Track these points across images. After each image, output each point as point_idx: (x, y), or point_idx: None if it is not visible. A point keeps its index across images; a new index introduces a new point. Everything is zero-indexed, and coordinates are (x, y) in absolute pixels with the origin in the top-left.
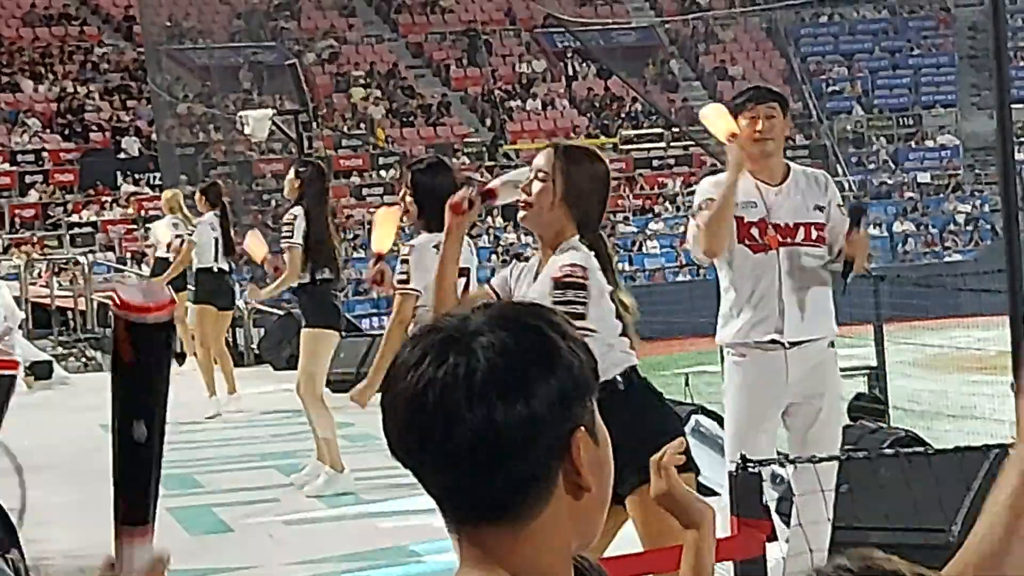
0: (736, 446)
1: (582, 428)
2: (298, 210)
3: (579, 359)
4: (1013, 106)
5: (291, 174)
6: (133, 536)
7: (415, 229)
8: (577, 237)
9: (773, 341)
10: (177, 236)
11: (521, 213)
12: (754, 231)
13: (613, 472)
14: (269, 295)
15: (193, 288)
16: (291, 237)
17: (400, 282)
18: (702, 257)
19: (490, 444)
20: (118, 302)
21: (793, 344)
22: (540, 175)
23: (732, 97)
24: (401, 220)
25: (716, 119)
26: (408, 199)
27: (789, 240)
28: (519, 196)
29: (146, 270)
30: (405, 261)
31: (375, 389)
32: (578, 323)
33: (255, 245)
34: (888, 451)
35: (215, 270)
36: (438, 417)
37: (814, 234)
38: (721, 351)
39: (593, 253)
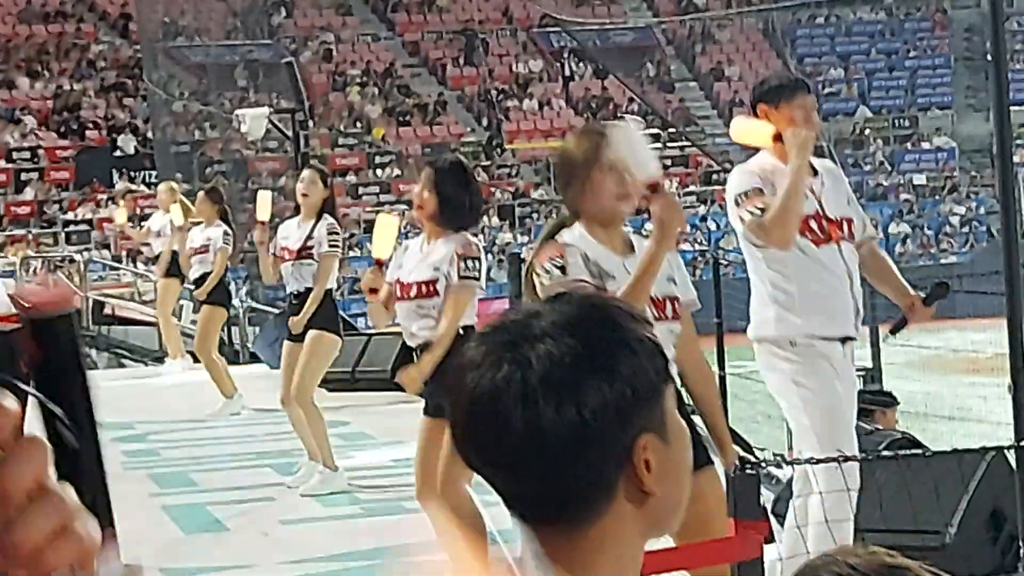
0: (832, 442)
1: (647, 434)
2: (331, 220)
3: (643, 364)
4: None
5: (310, 176)
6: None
7: (428, 227)
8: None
9: (847, 338)
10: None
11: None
12: (812, 223)
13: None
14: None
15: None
16: (336, 246)
17: (473, 279)
18: (773, 246)
19: (540, 452)
20: (24, 304)
21: (850, 339)
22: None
23: (762, 89)
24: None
25: (748, 128)
26: (427, 194)
27: (842, 233)
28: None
29: (141, 267)
30: (476, 259)
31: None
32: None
33: (264, 204)
34: (887, 453)
35: (210, 272)
36: (489, 424)
37: (852, 229)
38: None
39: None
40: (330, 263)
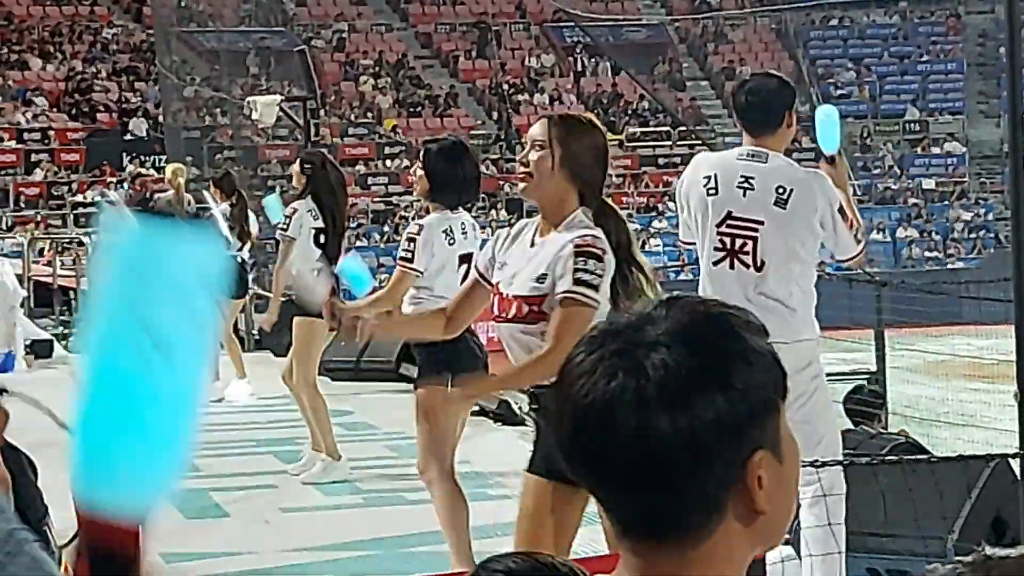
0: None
1: (761, 450)
2: (300, 204)
3: (759, 378)
4: None
5: (296, 166)
6: None
7: (422, 206)
8: (581, 209)
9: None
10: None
11: (520, 185)
12: None
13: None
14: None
15: None
16: (285, 230)
17: (403, 260)
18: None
19: (653, 465)
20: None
21: None
22: (537, 144)
23: (791, 93)
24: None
25: (830, 138)
26: (419, 173)
27: None
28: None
29: None
30: (412, 239)
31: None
32: (589, 292)
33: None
34: (892, 457)
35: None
36: (599, 434)
37: None
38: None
39: (601, 230)
40: (286, 246)
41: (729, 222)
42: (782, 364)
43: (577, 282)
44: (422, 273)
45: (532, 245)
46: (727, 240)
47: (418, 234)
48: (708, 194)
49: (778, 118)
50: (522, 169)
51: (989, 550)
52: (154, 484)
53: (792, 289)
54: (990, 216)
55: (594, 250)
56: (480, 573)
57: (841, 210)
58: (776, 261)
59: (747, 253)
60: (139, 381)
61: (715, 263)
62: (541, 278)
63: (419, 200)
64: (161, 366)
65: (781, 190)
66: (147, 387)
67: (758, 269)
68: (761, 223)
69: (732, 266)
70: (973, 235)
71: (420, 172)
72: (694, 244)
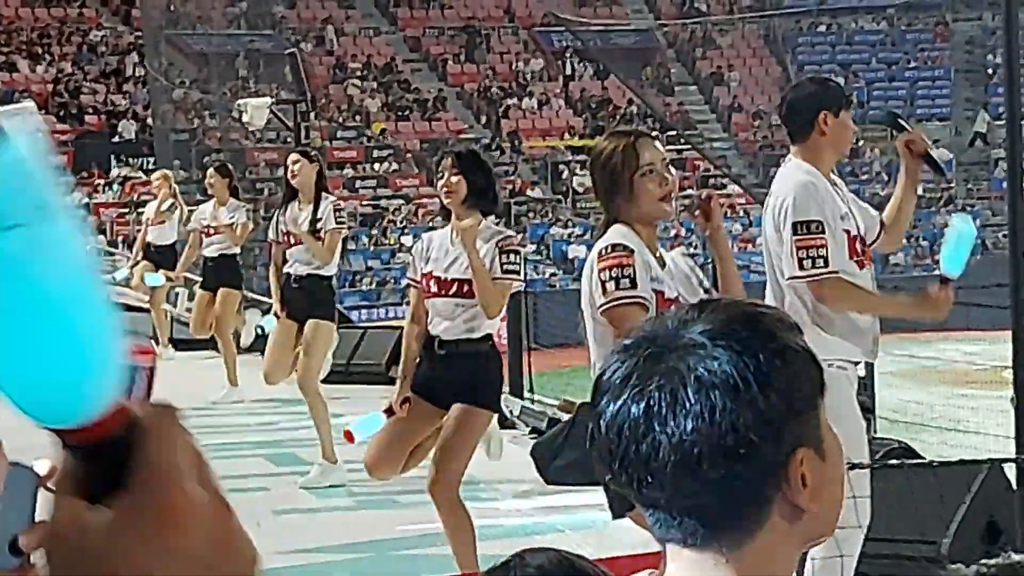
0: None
1: (803, 448)
2: (333, 198)
3: (798, 375)
4: (998, 122)
5: (293, 157)
6: None
7: (458, 211)
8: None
9: (860, 362)
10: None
11: (670, 205)
12: (858, 245)
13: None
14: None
15: (203, 274)
16: (343, 222)
17: (513, 273)
18: (821, 302)
19: (695, 468)
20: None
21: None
22: (667, 165)
23: (825, 91)
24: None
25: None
26: (455, 179)
27: (869, 255)
28: None
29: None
30: (516, 251)
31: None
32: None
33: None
34: (893, 462)
35: (230, 254)
36: (641, 439)
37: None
38: None
39: None
40: (337, 238)
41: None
42: (819, 361)
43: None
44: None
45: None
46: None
47: (520, 245)
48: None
49: (806, 124)
50: (669, 188)
51: (1016, 556)
52: (92, 370)
53: (791, 299)
54: (977, 222)
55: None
56: (514, 563)
57: (807, 226)
58: (771, 278)
59: (763, 269)
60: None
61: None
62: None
63: (407, 204)
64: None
65: (773, 199)
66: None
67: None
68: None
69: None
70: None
71: (455, 178)
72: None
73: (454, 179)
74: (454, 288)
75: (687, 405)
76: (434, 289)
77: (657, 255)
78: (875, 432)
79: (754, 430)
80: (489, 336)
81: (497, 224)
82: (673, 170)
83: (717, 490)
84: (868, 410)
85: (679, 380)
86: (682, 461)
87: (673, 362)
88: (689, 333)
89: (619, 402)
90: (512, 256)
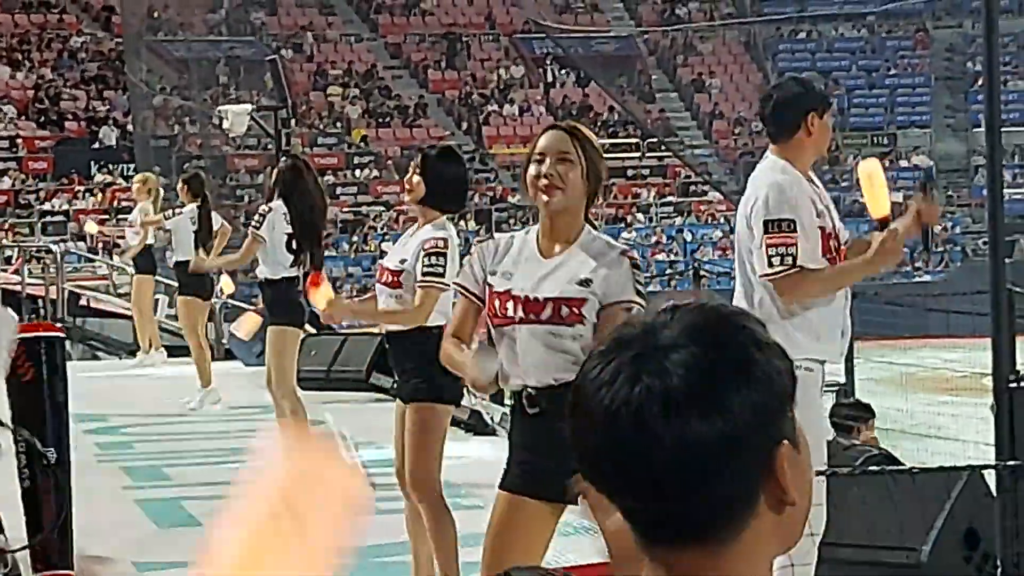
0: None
1: (785, 441)
2: (276, 204)
3: (777, 370)
4: (978, 130)
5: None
6: None
7: (417, 211)
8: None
9: (826, 361)
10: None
11: (554, 197)
12: (832, 243)
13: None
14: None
15: (176, 281)
16: (258, 228)
17: (434, 275)
18: (784, 300)
19: (689, 465)
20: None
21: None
22: (564, 156)
23: (814, 93)
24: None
25: (875, 190)
26: (415, 179)
27: (843, 252)
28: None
29: (117, 260)
30: (440, 254)
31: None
32: (640, 300)
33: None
34: (873, 468)
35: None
36: (634, 439)
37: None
38: None
39: None
40: (249, 242)
41: (734, 236)
42: (788, 355)
43: (637, 293)
44: (448, 287)
45: (547, 257)
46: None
47: (445, 248)
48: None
49: (790, 125)
50: (546, 182)
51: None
52: None
53: (760, 296)
54: (957, 229)
55: (637, 261)
56: None
57: (779, 224)
58: (740, 275)
59: (734, 268)
60: None
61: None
62: (584, 282)
63: (387, 211)
64: None
65: (747, 196)
66: None
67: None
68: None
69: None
70: (940, 248)
71: (416, 178)
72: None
73: (415, 179)
74: (386, 276)
75: (679, 404)
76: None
77: (550, 246)
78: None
79: (747, 424)
80: (424, 328)
81: (478, 230)
82: (571, 165)
83: (710, 488)
84: (856, 419)
85: (666, 379)
86: (676, 460)
87: (658, 362)
88: (668, 333)
89: (605, 403)
90: (436, 259)
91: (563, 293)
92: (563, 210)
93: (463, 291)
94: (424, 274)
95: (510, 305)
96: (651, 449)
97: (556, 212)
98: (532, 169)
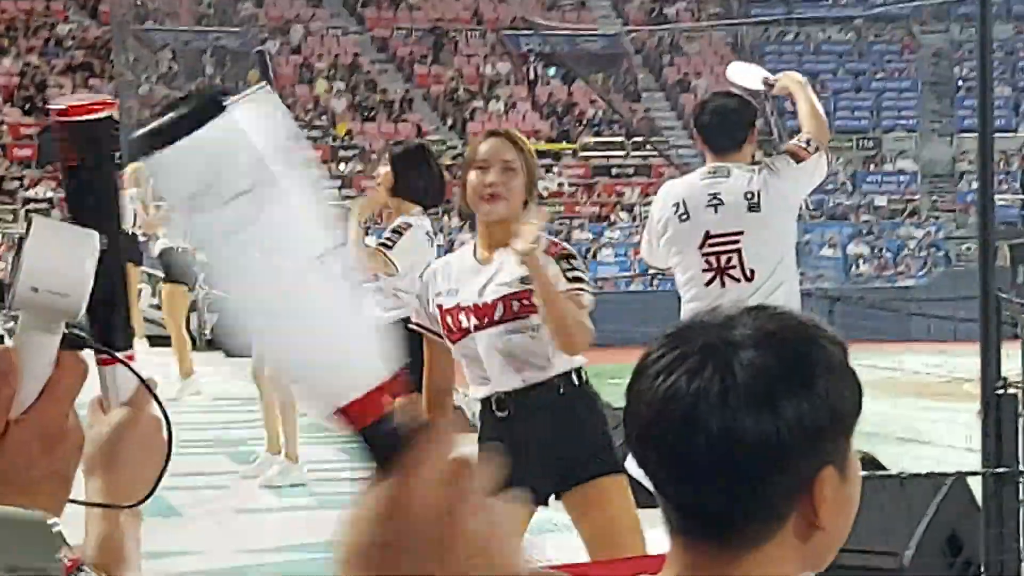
0: None
1: (831, 466)
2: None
3: (841, 394)
4: (963, 135)
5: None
6: (115, 362)
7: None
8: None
9: None
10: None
11: (498, 206)
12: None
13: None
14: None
15: (163, 269)
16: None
17: (383, 245)
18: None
19: (729, 459)
20: (61, 109)
21: None
22: (507, 165)
23: (753, 111)
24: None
25: (744, 72)
26: (383, 169)
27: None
28: None
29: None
30: (400, 232)
31: None
32: (577, 286)
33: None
34: (863, 472)
35: (179, 249)
36: (682, 427)
37: None
38: None
39: None
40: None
41: (710, 242)
42: (860, 384)
43: (574, 280)
44: (397, 271)
45: (485, 264)
46: (712, 260)
47: (406, 230)
48: (681, 220)
49: (741, 137)
50: (492, 191)
51: None
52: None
53: (781, 292)
54: (941, 234)
55: (568, 251)
56: None
57: (793, 152)
58: (765, 267)
59: (734, 267)
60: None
61: (707, 284)
62: (525, 279)
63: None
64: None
65: (750, 195)
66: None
67: (749, 279)
68: (740, 233)
69: (723, 284)
70: (923, 253)
71: (384, 169)
72: (666, 269)
73: (382, 170)
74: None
75: (735, 401)
76: None
77: (487, 254)
78: None
79: (794, 434)
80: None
81: (461, 226)
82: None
83: (746, 490)
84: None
85: (728, 375)
86: (720, 455)
87: (725, 357)
88: (741, 331)
89: (663, 388)
90: (393, 235)
91: (509, 289)
92: (507, 218)
93: (425, 331)
94: (379, 245)
95: (462, 317)
96: (699, 440)
97: (499, 220)
98: (474, 176)
